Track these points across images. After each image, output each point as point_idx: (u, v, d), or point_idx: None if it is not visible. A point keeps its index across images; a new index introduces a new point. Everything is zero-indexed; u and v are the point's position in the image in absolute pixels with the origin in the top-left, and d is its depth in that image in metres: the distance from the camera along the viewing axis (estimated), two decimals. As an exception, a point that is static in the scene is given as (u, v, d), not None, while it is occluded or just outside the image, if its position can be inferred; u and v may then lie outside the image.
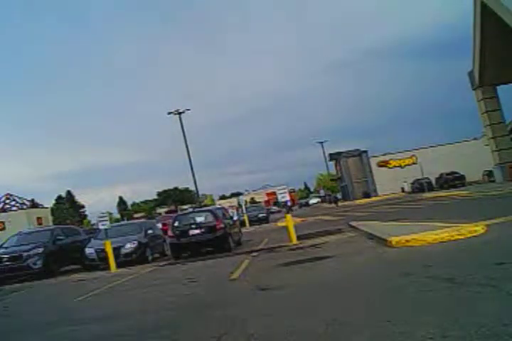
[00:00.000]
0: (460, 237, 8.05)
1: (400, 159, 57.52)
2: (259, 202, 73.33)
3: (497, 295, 4.23)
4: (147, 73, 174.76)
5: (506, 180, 30.17)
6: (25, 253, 13.96)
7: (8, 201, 50.47)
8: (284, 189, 14.23)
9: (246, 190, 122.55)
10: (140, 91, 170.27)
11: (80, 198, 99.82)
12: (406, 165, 56.36)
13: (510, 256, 5.91)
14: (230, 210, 22.34)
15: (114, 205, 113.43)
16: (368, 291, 5.38)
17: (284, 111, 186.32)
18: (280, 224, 24.92)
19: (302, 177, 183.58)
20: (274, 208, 68.36)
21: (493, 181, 33.80)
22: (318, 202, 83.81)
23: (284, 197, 14.08)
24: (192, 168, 41.37)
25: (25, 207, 49.92)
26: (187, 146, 41.39)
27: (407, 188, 50.41)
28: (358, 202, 46.94)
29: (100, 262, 14.09)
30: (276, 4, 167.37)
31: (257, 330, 4.33)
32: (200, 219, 14.24)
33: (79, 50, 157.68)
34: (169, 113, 41.60)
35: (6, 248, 14.76)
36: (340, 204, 51.15)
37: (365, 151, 58.04)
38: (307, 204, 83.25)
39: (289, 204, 14.33)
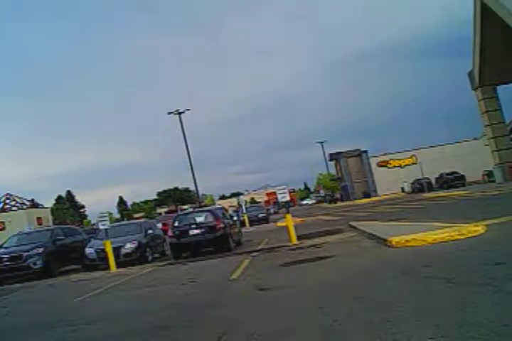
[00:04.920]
0: (460, 237, 8.04)
1: (400, 159, 57.51)
2: (259, 202, 73.26)
3: (497, 295, 4.23)
4: (147, 73, 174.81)
5: (506, 180, 30.16)
6: (25, 253, 13.94)
7: (8, 201, 50.47)
8: (284, 189, 14.20)
9: (246, 190, 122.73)
10: (140, 91, 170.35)
11: (79, 198, 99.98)
12: (406, 165, 56.35)
13: (510, 256, 5.91)
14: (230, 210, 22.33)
15: (114, 205, 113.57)
16: (368, 291, 5.37)
17: (284, 111, 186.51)
18: (280, 224, 24.92)
19: (302, 177, 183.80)
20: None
21: (493, 181, 33.77)
22: (312, 203, 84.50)
23: (284, 197, 14.06)
24: (192, 168, 41.38)
25: (25, 207, 49.91)
26: (187, 146, 41.38)
27: (407, 188, 50.37)
28: (358, 202, 46.92)
29: (100, 262, 14.06)
30: (277, 4, 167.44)
31: (257, 330, 4.33)
32: (200, 219, 14.24)
33: (79, 49, 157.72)
34: (169, 113, 41.58)
35: (6, 248, 14.74)
36: (338, 204, 51.15)
37: (365, 151, 58.02)
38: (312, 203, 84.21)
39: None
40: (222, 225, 13.86)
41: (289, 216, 13.50)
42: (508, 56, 27.64)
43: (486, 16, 26.34)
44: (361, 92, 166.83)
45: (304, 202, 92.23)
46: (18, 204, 50.22)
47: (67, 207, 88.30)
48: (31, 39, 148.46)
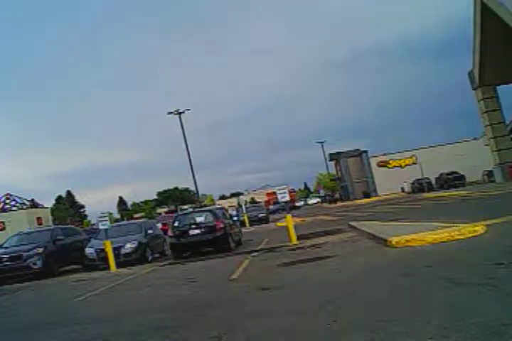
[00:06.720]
0: (460, 237, 8.04)
1: (399, 159, 57.54)
2: (259, 202, 73.19)
3: (497, 295, 4.23)
4: (147, 73, 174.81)
5: (506, 180, 30.16)
6: (25, 253, 13.94)
7: (8, 201, 50.38)
8: (284, 189, 14.20)
9: (246, 190, 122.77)
10: (140, 91, 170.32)
11: (79, 198, 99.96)
12: (406, 165, 56.38)
13: (510, 256, 5.91)
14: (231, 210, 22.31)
15: (114, 205, 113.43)
16: (368, 291, 5.38)
17: (284, 111, 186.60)
18: (280, 224, 24.92)
19: (302, 177, 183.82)
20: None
21: (493, 181, 33.79)
22: (305, 204, 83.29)
23: (284, 197, 14.06)
24: (192, 168, 41.37)
25: (25, 207, 49.87)
26: (187, 146, 41.39)
27: (407, 188, 50.38)
28: (358, 202, 46.91)
29: (100, 262, 14.06)
30: (277, 4, 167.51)
31: (257, 330, 4.33)
32: (200, 219, 14.23)
33: (79, 49, 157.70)
34: (169, 113, 41.57)
35: (6, 248, 14.73)
36: (338, 204, 51.13)
37: (365, 151, 58.06)
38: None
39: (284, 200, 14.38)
40: (222, 225, 13.85)
41: (289, 216, 13.50)
42: (508, 56, 27.64)
43: (486, 16, 26.34)
44: (361, 92, 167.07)
45: (299, 203, 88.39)
46: (18, 204, 50.16)
47: (67, 207, 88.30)
48: (30, 40, 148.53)
